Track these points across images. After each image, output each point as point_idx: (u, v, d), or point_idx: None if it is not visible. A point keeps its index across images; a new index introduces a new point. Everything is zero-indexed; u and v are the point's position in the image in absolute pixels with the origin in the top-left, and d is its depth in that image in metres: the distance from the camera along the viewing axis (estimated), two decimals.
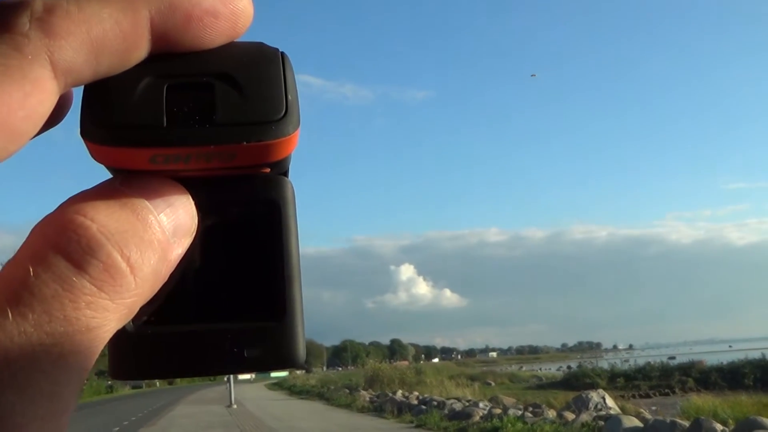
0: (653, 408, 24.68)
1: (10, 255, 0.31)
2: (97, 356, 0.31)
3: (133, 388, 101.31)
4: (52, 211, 0.33)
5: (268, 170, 0.42)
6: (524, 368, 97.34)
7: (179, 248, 0.36)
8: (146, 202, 0.34)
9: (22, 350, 0.28)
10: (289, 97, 0.40)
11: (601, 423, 14.85)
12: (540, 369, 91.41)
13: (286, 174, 0.44)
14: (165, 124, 0.37)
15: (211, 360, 0.41)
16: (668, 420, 13.75)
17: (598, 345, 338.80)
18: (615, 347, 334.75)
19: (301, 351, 0.43)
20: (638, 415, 16.41)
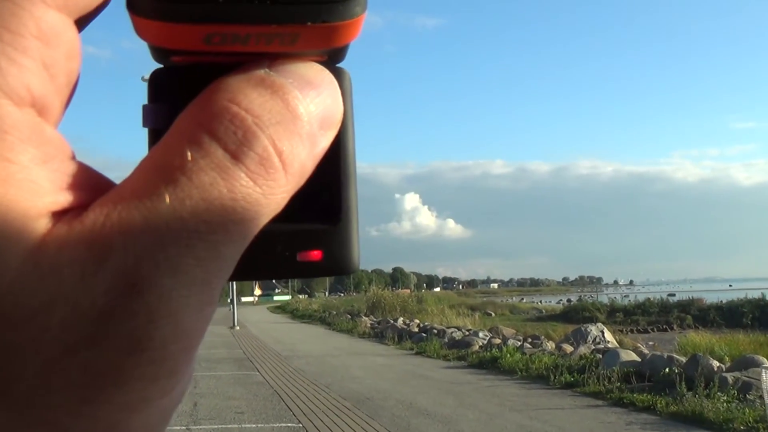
0: (650, 343, 24.94)
1: None
2: (243, 250, 0.31)
3: None
4: (199, 96, 0.31)
5: (325, 58, 0.38)
6: (525, 300, 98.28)
7: (324, 141, 0.34)
8: (297, 92, 0.32)
9: (178, 236, 0.28)
10: None
11: (599, 356, 15.00)
12: (540, 301, 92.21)
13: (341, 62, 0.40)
14: None
15: (261, 264, 0.38)
16: (665, 355, 13.88)
17: (599, 280, 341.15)
18: (615, 282, 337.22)
19: (357, 257, 0.40)
20: (635, 350, 16.59)
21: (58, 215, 0.28)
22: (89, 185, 0.30)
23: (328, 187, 0.39)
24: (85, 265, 0.27)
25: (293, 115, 0.32)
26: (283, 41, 0.34)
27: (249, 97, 0.31)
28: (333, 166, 0.38)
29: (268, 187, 0.30)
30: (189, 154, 0.29)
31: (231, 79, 0.32)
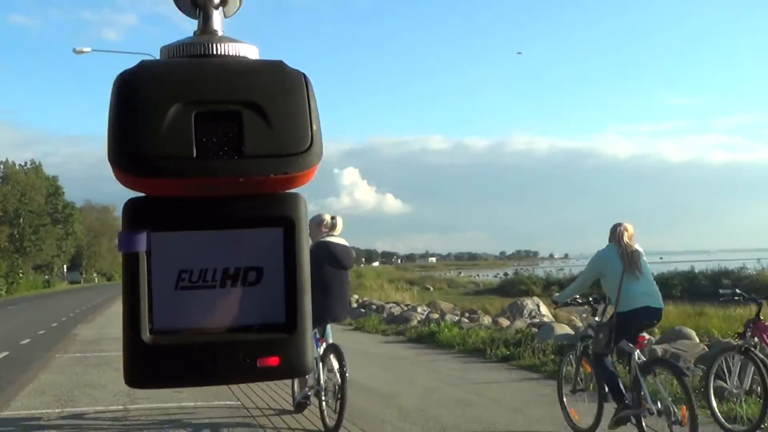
0: (584, 315, 25.46)
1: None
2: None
3: (71, 283, 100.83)
4: None
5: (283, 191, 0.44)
6: (462, 274, 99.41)
7: None
8: None
9: None
10: (314, 126, 0.40)
11: (535, 330, 15.30)
12: (478, 275, 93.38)
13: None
14: (195, 155, 0.38)
15: (224, 370, 0.42)
16: None
17: (535, 254, 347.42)
18: (551, 256, 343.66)
19: (310, 361, 0.44)
20: (569, 323, 16.96)
21: None
22: None
23: (284, 299, 0.43)
24: None
25: None
26: (248, 187, 0.40)
27: None
28: (289, 280, 0.43)
29: None
30: None
31: None
